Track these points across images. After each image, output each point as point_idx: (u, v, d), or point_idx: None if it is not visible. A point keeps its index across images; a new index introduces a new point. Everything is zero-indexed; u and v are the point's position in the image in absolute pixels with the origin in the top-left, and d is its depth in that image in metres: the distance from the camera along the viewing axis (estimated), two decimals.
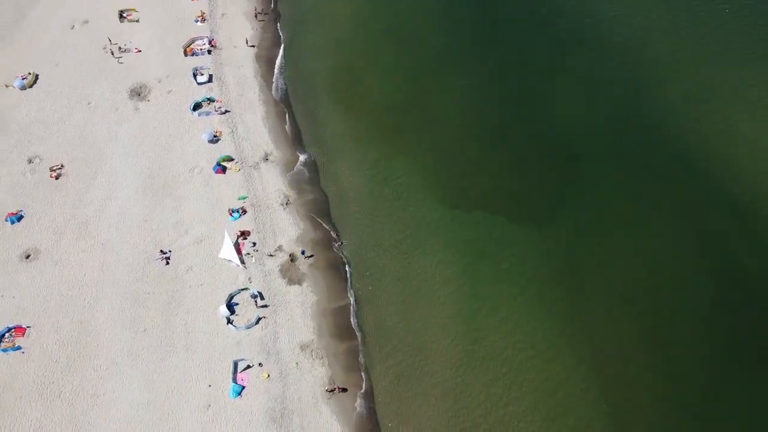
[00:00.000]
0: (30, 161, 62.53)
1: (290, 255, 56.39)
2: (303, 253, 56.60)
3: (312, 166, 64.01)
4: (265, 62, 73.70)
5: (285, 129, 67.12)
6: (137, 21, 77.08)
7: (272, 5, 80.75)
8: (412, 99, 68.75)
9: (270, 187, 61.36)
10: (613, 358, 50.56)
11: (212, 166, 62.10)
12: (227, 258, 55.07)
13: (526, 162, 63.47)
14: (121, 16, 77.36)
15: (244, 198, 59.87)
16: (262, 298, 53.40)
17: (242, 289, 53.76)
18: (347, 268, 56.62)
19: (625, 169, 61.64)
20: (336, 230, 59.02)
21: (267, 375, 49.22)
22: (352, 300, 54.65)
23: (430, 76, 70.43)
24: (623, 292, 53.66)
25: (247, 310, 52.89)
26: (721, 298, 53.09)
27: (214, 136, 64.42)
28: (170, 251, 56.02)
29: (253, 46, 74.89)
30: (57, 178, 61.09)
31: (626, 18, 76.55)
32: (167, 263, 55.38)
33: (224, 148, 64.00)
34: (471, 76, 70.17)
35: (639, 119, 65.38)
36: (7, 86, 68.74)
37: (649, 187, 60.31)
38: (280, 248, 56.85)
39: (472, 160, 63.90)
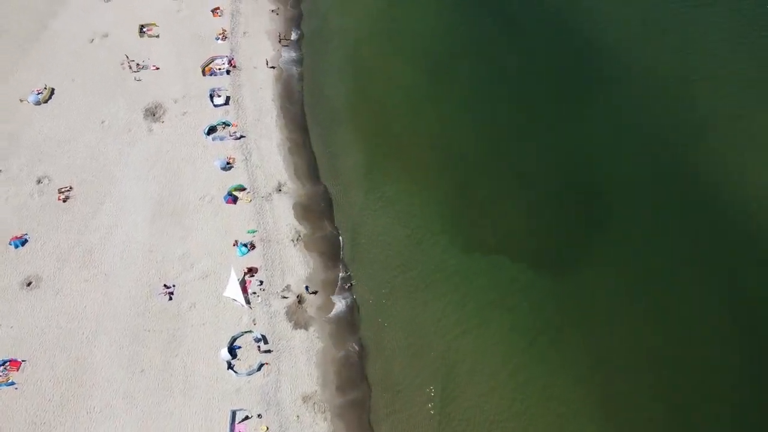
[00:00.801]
0: (39, 181, 60.99)
1: (298, 296, 53.86)
2: (307, 288, 54.05)
3: (326, 199, 61.46)
4: (285, 85, 71.37)
5: (301, 158, 64.67)
6: (157, 36, 75.39)
7: (296, 27, 78.20)
8: (434, 133, 65.79)
9: (281, 220, 58.90)
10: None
11: (223, 195, 59.89)
12: (232, 297, 52.68)
13: (550, 206, 60.11)
14: (141, 31, 75.75)
15: (254, 232, 57.47)
16: (266, 342, 50.90)
17: (246, 332, 51.32)
18: (356, 313, 53.95)
19: (654, 220, 57.76)
20: (347, 271, 56.30)
21: (266, 428, 46.66)
22: (359, 349, 51.87)
23: (455, 108, 67.34)
24: (648, 356, 50.04)
25: (249, 355, 50.41)
26: (756, 372, 49.22)
27: (227, 163, 62.22)
28: (174, 286, 53.86)
29: (273, 67, 72.65)
30: (65, 201, 59.42)
31: (663, 48, 72.32)
32: (170, 299, 53.22)
33: (237, 176, 61.75)
34: (498, 111, 66.84)
35: (673, 165, 61.28)
36: (21, 101, 67.46)
37: (681, 242, 56.33)
38: (287, 288, 54.34)
39: (493, 201, 60.74)
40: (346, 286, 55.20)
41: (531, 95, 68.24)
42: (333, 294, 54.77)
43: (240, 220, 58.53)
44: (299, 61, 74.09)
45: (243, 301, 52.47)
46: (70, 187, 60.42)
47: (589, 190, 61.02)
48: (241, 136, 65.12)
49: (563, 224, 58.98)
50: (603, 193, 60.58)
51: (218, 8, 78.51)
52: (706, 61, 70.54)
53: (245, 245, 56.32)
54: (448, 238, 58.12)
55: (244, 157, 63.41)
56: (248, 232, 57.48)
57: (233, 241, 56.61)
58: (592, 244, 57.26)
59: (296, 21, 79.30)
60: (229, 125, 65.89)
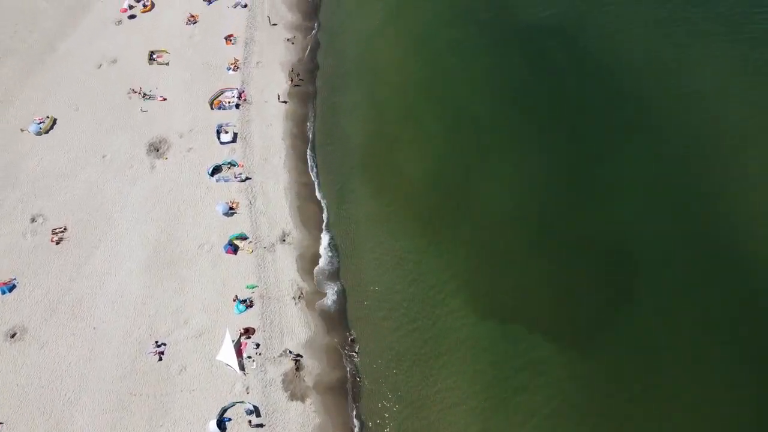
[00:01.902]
0: (33, 220, 58.24)
1: (296, 363, 50.05)
2: (290, 352, 50.13)
3: (333, 252, 57.64)
4: (296, 122, 67.62)
5: (308, 204, 60.95)
6: (167, 64, 72.28)
7: (312, 58, 74.42)
8: (453, 183, 61.20)
9: (283, 275, 55.21)
10: None
11: (223, 244, 56.40)
12: (225, 362, 49.08)
13: (574, 271, 55.13)
14: (150, 58, 72.69)
15: (253, 287, 53.85)
16: (258, 415, 47.22)
17: (237, 402, 47.67)
18: (358, 383, 50.06)
19: (692, 296, 52.54)
20: (351, 335, 52.44)
21: None
22: (360, 426, 47.99)
23: (476, 158, 62.49)
24: None
25: (239, 429, 46.78)
26: None
27: (230, 209, 58.74)
28: (165, 344, 50.48)
29: (285, 102, 69.01)
30: (58, 243, 56.52)
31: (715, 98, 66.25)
32: (160, 359, 49.86)
33: (239, 222, 58.23)
34: (522, 163, 61.97)
35: (719, 236, 55.65)
36: (22, 131, 64.84)
37: (722, 320, 51.08)
38: (285, 353, 50.58)
39: (511, 262, 56.13)
40: (349, 353, 51.32)
41: (559, 145, 63.19)
42: (335, 361, 50.91)
43: (239, 272, 54.97)
44: (312, 97, 70.32)
45: (237, 367, 48.86)
46: (65, 228, 57.51)
47: (617, 255, 56.05)
48: (247, 178, 61.59)
49: (587, 293, 54.17)
50: (632, 259, 55.62)
51: (232, 35, 75.10)
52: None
53: (243, 302, 52.73)
54: (461, 302, 53.86)
55: (248, 202, 59.85)
56: (247, 287, 53.91)
57: (232, 297, 53.10)
58: (617, 318, 52.46)
59: (312, 51, 75.45)
60: (234, 165, 62.40)
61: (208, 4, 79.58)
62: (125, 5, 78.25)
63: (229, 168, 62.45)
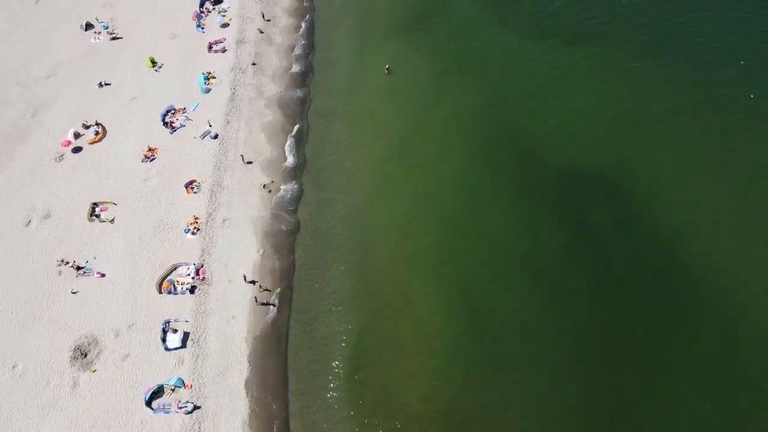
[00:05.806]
0: None
1: None
2: None
3: None
4: (266, 313, 53.38)
5: None
6: (111, 221, 58.42)
7: (292, 212, 60.43)
8: (461, 414, 46.63)
9: None
10: None
11: None
12: None
13: None
14: (92, 212, 58.88)
15: None
16: None
17: None
18: None
19: None
20: None
21: None
22: None
23: (491, 376, 47.92)
24: None
25: None
26: None
27: None
28: None
29: (252, 282, 54.82)
30: None
31: None
32: None
33: None
34: (553, 388, 47.27)
35: None
36: None
37: None
38: None
39: None
40: None
41: (601, 362, 48.52)
42: None
43: None
44: (288, 274, 56.04)
45: None
46: None
47: None
48: (195, 408, 47.29)
49: None
50: None
51: (194, 181, 61.18)
52: None
53: None
54: None
55: None
56: None
57: None
58: None
59: (292, 203, 61.39)
60: (180, 387, 48.08)
61: (171, 133, 65.97)
62: (69, 136, 64.65)
63: (173, 391, 48.12)
